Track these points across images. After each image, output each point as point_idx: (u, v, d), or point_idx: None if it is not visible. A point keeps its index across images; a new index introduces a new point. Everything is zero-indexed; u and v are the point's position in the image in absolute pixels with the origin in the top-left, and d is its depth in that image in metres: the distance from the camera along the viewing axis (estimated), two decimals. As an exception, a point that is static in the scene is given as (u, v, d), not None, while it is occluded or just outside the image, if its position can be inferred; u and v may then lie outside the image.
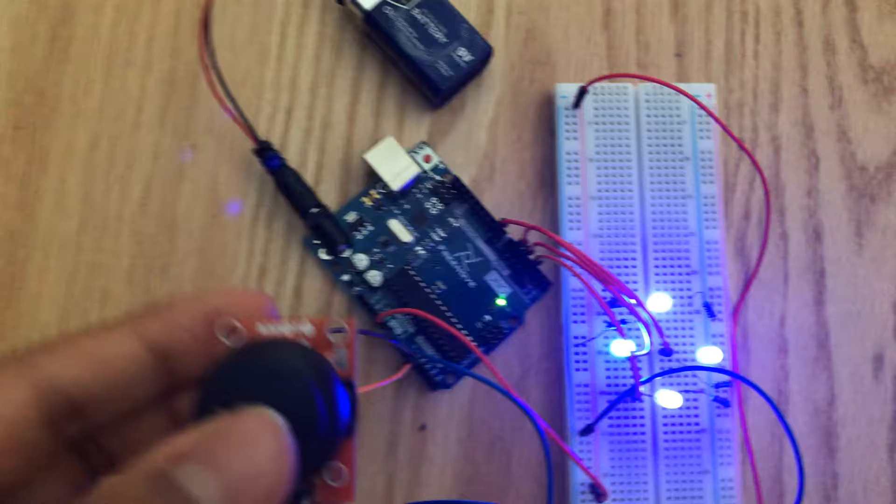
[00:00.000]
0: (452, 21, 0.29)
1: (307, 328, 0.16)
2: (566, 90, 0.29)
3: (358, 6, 0.29)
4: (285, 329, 0.16)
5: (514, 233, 0.29)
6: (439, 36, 0.29)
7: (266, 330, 0.16)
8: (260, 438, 0.13)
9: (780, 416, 0.25)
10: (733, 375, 0.27)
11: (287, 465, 0.13)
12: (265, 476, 0.13)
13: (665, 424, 0.27)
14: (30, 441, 0.15)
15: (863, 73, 0.32)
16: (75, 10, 0.30)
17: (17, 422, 0.14)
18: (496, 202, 0.30)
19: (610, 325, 0.27)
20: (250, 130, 0.28)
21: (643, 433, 0.27)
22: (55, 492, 0.15)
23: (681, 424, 0.28)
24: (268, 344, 0.15)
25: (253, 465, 0.13)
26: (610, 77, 0.29)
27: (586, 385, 0.28)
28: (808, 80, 0.32)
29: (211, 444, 0.13)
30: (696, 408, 0.28)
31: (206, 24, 0.27)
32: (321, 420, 0.14)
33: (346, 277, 0.28)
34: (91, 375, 0.15)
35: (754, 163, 0.29)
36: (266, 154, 0.28)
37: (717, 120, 0.28)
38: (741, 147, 0.29)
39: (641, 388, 0.26)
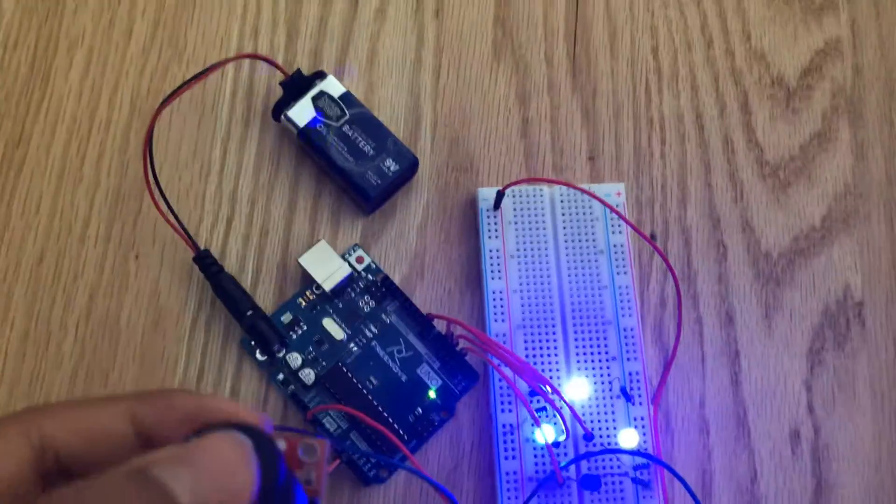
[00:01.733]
0: (379, 135, 0.31)
1: (280, 444, 0.17)
2: (487, 193, 0.32)
3: (293, 123, 0.31)
4: None
5: (441, 327, 0.30)
6: (368, 149, 0.31)
7: None
8: (228, 448, 0.15)
9: (694, 497, 0.26)
10: (648, 457, 0.28)
11: (251, 475, 0.15)
12: (234, 476, 0.14)
13: (592, 509, 0.28)
14: (25, 490, 0.16)
15: (760, 168, 0.35)
16: (30, 132, 0.32)
17: (14, 476, 0.16)
18: (427, 298, 0.32)
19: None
20: (190, 240, 0.30)
21: (572, 519, 0.28)
22: None
23: (607, 508, 0.28)
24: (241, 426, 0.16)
25: (223, 465, 0.14)
26: (525, 181, 0.31)
27: (515, 473, 0.29)
28: (711, 177, 0.35)
29: (186, 451, 0.14)
30: (622, 491, 0.29)
31: (148, 144, 0.29)
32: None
33: (280, 377, 0.30)
34: (81, 442, 0.17)
35: (661, 256, 0.31)
36: (205, 262, 0.30)
37: (625, 220, 0.31)
38: (648, 241, 0.31)
39: (565, 473, 0.27)
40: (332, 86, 0.32)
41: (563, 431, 0.28)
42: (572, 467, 0.28)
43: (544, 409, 0.29)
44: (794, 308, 0.33)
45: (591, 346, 0.30)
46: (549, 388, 0.27)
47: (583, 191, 0.30)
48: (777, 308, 0.33)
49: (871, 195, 0.34)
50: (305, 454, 0.17)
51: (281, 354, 0.30)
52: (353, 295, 0.31)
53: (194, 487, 0.14)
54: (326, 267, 0.30)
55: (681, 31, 0.37)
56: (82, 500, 0.13)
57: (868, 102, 0.36)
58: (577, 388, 0.29)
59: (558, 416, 0.27)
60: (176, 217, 0.29)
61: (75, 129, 0.32)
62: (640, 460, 0.29)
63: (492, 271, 0.31)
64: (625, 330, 0.31)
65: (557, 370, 0.30)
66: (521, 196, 0.32)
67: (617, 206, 0.32)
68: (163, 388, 0.18)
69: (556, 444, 0.28)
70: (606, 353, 0.30)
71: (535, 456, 0.29)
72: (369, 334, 0.30)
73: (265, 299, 0.31)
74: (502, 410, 0.29)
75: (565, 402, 0.27)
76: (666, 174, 0.35)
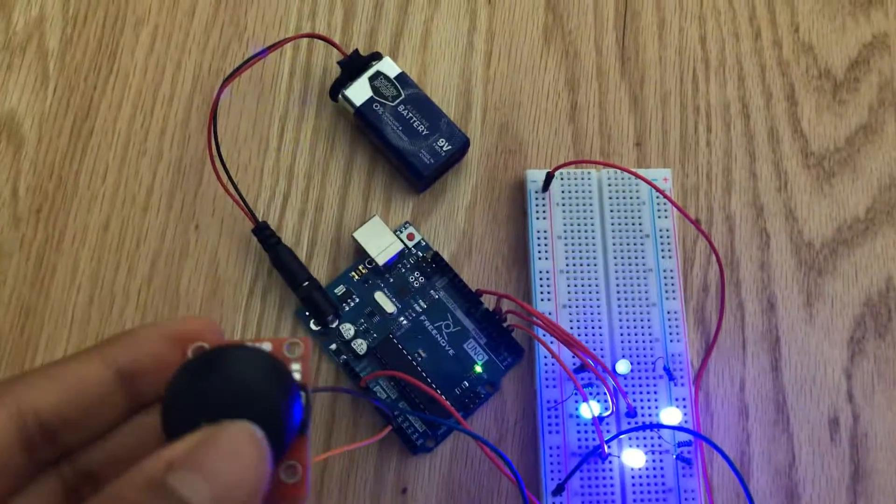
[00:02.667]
0: (433, 116, 0.32)
1: (266, 346, 0.18)
2: (536, 175, 0.33)
3: (350, 103, 0.32)
4: (248, 346, 0.18)
5: (488, 303, 0.31)
6: (422, 129, 0.32)
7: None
8: (244, 448, 0.15)
9: (737, 472, 0.26)
10: (691, 433, 0.29)
11: (266, 471, 0.15)
12: (248, 480, 0.15)
13: (633, 484, 0.29)
14: (8, 464, 0.16)
15: (805, 159, 0.35)
16: (97, 107, 0.34)
17: None
18: (474, 276, 0.33)
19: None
20: (250, 213, 0.31)
21: (612, 493, 0.29)
22: None
23: (648, 484, 0.29)
24: (229, 350, 0.17)
25: (238, 471, 0.15)
26: (574, 163, 0.32)
27: (558, 447, 0.29)
28: (756, 166, 0.35)
29: (201, 454, 0.14)
30: (662, 468, 0.29)
31: (213, 118, 0.30)
32: (285, 425, 0.16)
33: (333, 346, 0.31)
34: (63, 399, 0.17)
35: (707, 239, 0.32)
36: (263, 233, 0.31)
37: (672, 202, 0.31)
38: (693, 224, 0.32)
39: (608, 449, 0.28)
40: (389, 67, 0.32)
41: (607, 407, 0.29)
42: (615, 442, 0.29)
43: (590, 385, 0.29)
44: (835, 297, 0.33)
45: (635, 327, 0.31)
46: (594, 363, 0.27)
47: (632, 173, 0.31)
48: (819, 296, 0.33)
49: (917, 188, 0.35)
50: (290, 352, 0.18)
51: (334, 325, 0.31)
52: (403, 270, 0.32)
53: (212, 496, 0.14)
54: (379, 242, 0.31)
55: (729, 21, 0.37)
56: None
57: (915, 96, 0.36)
58: (620, 368, 0.30)
59: (605, 390, 0.27)
60: (237, 189, 0.30)
61: (140, 104, 0.34)
62: (682, 437, 0.29)
63: (539, 252, 0.32)
64: (668, 312, 0.31)
65: (601, 349, 0.31)
66: (569, 179, 0.33)
67: (664, 191, 0.32)
68: (131, 327, 0.18)
69: (600, 420, 0.29)
70: (650, 334, 0.31)
71: (578, 431, 0.30)
72: (419, 309, 0.31)
73: (319, 272, 0.32)
74: (546, 386, 0.30)
75: (612, 375, 0.28)
76: (711, 162, 0.35)
